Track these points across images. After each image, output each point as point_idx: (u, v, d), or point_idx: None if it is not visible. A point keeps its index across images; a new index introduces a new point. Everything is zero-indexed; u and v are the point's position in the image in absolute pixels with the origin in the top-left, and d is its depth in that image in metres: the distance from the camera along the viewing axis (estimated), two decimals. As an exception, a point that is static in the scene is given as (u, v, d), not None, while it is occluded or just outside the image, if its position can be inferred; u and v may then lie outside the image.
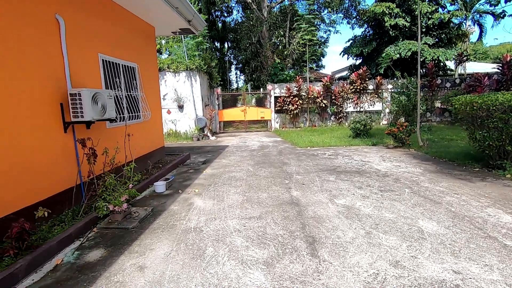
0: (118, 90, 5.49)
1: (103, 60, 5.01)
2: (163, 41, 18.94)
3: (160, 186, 5.15)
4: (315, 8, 21.91)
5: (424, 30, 15.51)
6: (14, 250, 2.77)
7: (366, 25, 18.25)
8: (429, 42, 15.18)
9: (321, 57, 26.93)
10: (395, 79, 14.70)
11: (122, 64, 5.64)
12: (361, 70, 14.70)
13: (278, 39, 20.64)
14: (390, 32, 15.59)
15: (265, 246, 3.04)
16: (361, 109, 15.05)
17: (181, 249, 3.06)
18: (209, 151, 9.37)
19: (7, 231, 2.77)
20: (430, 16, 15.23)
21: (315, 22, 21.31)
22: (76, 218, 3.69)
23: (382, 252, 2.83)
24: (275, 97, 15.30)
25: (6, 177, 3.12)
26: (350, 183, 5.18)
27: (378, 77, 14.74)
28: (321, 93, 14.90)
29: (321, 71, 27.26)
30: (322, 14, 22.92)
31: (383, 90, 15.08)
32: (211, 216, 3.91)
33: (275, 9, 20.73)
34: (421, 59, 13.34)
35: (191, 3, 18.24)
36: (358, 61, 19.77)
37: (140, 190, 5.12)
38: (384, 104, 15.26)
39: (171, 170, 6.68)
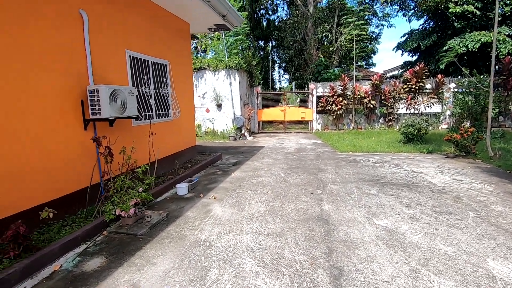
0: (146, 87, 5.38)
1: (130, 56, 4.91)
2: (210, 41, 19.28)
3: (182, 188, 4.89)
4: (367, 1, 20.33)
5: (499, 18, 13.24)
6: (14, 252, 2.66)
7: (425, 16, 16.30)
8: (504, 32, 12.88)
9: (372, 54, 24.99)
10: (459, 77, 12.78)
11: (151, 61, 5.53)
12: (418, 67, 13.07)
13: (324, 34, 19.56)
14: (455, 23, 13.62)
15: (278, 275, 2.51)
16: (416, 111, 13.39)
17: (183, 267, 2.68)
18: (243, 152, 9.02)
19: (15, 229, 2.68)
20: (507, 1, 12.92)
21: (366, 16, 19.76)
22: (88, 220, 3.55)
23: (433, 304, 2.10)
24: (317, 96, 14.42)
25: (23, 174, 3.07)
26: (395, 198, 4.34)
27: (439, 75, 12.95)
28: (369, 92, 13.63)
29: (371, 69, 25.31)
30: (374, 7, 21.19)
31: (444, 90, 13.23)
32: (226, 228, 3.48)
33: (321, 4, 19.70)
34: (494, 53, 11.36)
35: (232, 1, 18.19)
36: (414, 58, 17.79)
37: (162, 191, 4.93)
38: (444, 106, 13.40)
39: (199, 171, 6.45)
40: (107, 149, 3.71)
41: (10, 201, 2.98)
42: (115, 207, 3.28)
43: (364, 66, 24.62)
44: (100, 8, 4.20)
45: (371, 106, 13.57)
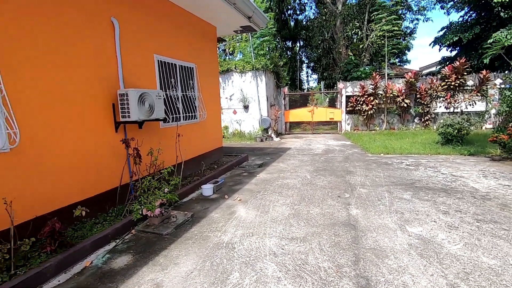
0: (174, 90, 5.53)
1: (159, 60, 5.07)
2: (237, 43, 19.52)
3: (207, 189, 4.95)
4: (400, -5, 19.32)
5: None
6: (51, 247, 2.83)
7: (467, 8, 15.12)
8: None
9: (406, 51, 23.72)
10: (506, 72, 11.68)
11: (179, 65, 5.67)
12: (458, 62, 12.14)
13: (353, 32, 18.91)
14: (501, 13, 12.47)
15: (300, 282, 2.41)
16: (456, 110, 12.45)
17: (205, 269, 2.68)
18: (269, 153, 8.96)
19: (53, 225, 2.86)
20: None
21: (399, 11, 18.79)
22: (118, 218, 3.70)
23: (474, 324, 1.89)
24: (347, 96, 13.96)
25: (60, 174, 3.28)
26: (431, 204, 4.03)
27: (484, 71, 11.92)
28: (403, 91, 12.92)
29: (405, 66, 24.03)
30: (408, 1, 20.09)
31: (489, 86, 12.16)
32: (249, 231, 3.44)
33: (351, 0, 19.08)
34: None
35: (259, 2, 18.19)
36: (453, 53, 16.58)
37: (189, 191, 5.03)
38: (489, 104, 12.32)
39: (224, 172, 6.49)
40: (135, 150, 3.85)
41: (49, 199, 3.19)
42: (142, 207, 3.38)
43: (398, 64, 23.45)
44: (130, 15, 4.38)
45: (405, 105, 12.84)
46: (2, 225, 2.66)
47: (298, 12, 25.49)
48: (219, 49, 21.32)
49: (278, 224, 3.59)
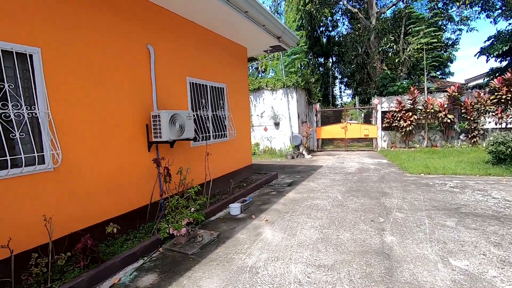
0: (204, 110, 5.72)
1: (190, 82, 5.31)
2: (270, 61, 19.92)
3: (235, 208, 4.94)
4: (439, 6, 18.50)
5: None
6: (84, 262, 2.98)
7: (517, 15, 13.98)
8: None
9: (448, 63, 22.31)
10: None
11: (209, 85, 5.89)
12: (509, 74, 11.11)
13: (388, 46, 18.33)
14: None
15: (326, 316, 2.24)
16: (508, 125, 11.28)
17: (226, 294, 2.62)
18: (300, 171, 8.78)
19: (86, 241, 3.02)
20: None
21: (439, 22, 17.92)
22: (147, 236, 3.81)
23: None
24: (382, 112, 13.38)
25: (96, 192, 3.49)
26: (480, 234, 3.60)
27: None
28: (445, 106, 12.07)
29: (448, 79, 22.56)
30: (449, 11, 19.11)
31: (547, 99, 10.90)
32: (275, 255, 3.33)
33: (385, 14, 18.64)
34: None
35: (291, 21, 18.49)
36: (504, 63, 15.27)
37: (216, 210, 5.05)
38: (549, 118, 11.00)
39: (253, 191, 6.46)
40: (165, 169, 3.99)
41: (84, 216, 3.39)
42: (169, 225, 3.45)
43: (439, 77, 22.10)
44: (164, 41, 4.68)
45: (448, 120, 11.94)
46: (41, 239, 2.86)
47: (330, 29, 25.47)
48: (251, 67, 21.90)
49: (305, 249, 3.43)
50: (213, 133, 5.96)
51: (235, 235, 4.02)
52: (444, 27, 20.39)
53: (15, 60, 2.76)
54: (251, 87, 12.80)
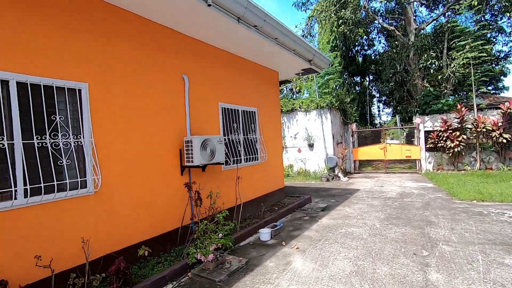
0: (235, 133, 5.84)
1: (222, 108, 5.50)
2: (304, 82, 20.02)
3: (265, 234, 4.84)
4: (487, 18, 17.33)
5: None
6: (117, 284, 3.08)
7: None
8: None
9: (501, 77, 20.47)
10: None
11: (241, 110, 6.04)
12: None
13: (429, 62, 17.39)
14: None
15: None
16: None
17: (251, 329, 2.51)
18: (335, 195, 8.42)
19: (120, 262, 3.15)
20: None
21: (488, 35, 16.71)
22: (177, 259, 3.86)
23: None
24: (426, 131, 12.51)
25: (130, 215, 3.68)
26: (549, 277, 3.07)
27: None
28: (500, 124, 10.94)
29: (502, 94, 20.58)
30: (499, 22, 17.79)
31: None
32: None
33: (425, 30, 17.89)
34: None
35: (325, 43, 18.55)
36: None
37: (246, 235, 4.99)
38: None
39: (285, 215, 6.30)
40: (196, 193, 4.08)
41: (118, 238, 3.55)
42: (197, 251, 3.47)
43: (492, 92, 20.28)
44: (198, 70, 4.96)
45: (504, 140, 10.75)
46: (78, 260, 3.04)
47: (366, 48, 25.05)
48: (286, 88, 22.13)
49: (337, 283, 3.21)
50: (244, 156, 6.02)
51: (264, 262, 3.90)
52: (494, 39, 18.95)
53: (66, 95, 3.11)
54: (284, 109, 12.87)
